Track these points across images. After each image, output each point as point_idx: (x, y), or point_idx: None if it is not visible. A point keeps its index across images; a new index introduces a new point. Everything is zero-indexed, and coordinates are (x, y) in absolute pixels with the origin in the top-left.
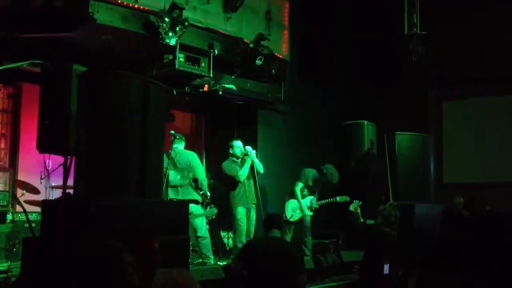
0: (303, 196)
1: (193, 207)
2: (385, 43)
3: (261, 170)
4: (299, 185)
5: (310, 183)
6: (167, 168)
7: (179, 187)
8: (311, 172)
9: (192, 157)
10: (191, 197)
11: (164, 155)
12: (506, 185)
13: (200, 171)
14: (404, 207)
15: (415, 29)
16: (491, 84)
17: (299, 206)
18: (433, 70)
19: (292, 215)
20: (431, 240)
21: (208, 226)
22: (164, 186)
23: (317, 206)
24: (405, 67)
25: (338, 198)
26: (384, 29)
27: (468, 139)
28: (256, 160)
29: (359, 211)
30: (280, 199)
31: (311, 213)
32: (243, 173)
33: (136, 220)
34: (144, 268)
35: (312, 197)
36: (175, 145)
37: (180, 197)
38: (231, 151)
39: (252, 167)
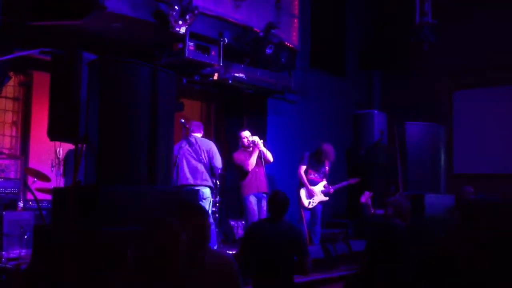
0: (314, 182)
1: (208, 192)
2: (397, 31)
3: (271, 159)
4: (302, 168)
5: (313, 163)
6: (176, 156)
7: (198, 172)
8: (305, 153)
9: (212, 145)
10: (207, 183)
11: (185, 141)
12: None
13: (219, 160)
14: (414, 198)
15: (426, 18)
16: (503, 73)
17: (311, 189)
18: (444, 59)
19: (309, 202)
20: (445, 230)
21: (217, 215)
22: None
23: (332, 191)
24: (416, 56)
25: (351, 180)
26: (397, 17)
27: (479, 129)
28: (264, 149)
29: (369, 202)
30: (290, 188)
31: (326, 198)
32: (250, 163)
33: (146, 207)
34: (194, 244)
35: (325, 182)
36: (194, 134)
37: (198, 182)
38: (240, 141)
39: (260, 157)
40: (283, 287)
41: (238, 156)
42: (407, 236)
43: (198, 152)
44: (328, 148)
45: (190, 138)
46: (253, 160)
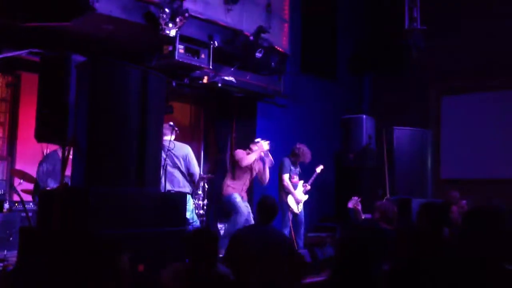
0: (296, 185)
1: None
2: (387, 37)
3: (266, 179)
4: (286, 176)
5: (293, 168)
6: (165, 158)
7: (175, 179)
8: (285, 160)
9: (189, 150)
10: (185, 190)
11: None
12: (504, 182)
13: (196, 164)
14: (401, 202)
15: (415, 24)
16: (491, 79)
17: (296, 195)
18: (433, 65)
19: (298, 207)
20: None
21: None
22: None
23: (310, 187)
24: (406, 62)
25: (317, 170)
26: (387, 22)
27: (466, 134)
28: (265, 157)
29: (359, 207)
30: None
31: (307, 196)
32: (247, 158)
33: (135, 210)
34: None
35: (302, 181)
36: (171, 138)
37: (176, 188)
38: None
39: (255, 162)
40: None
41: (240, 152)
42: (394, 240)
43: (174, 158)
44: (304, 148)
45: (164, 143)
46: (251, 157)
